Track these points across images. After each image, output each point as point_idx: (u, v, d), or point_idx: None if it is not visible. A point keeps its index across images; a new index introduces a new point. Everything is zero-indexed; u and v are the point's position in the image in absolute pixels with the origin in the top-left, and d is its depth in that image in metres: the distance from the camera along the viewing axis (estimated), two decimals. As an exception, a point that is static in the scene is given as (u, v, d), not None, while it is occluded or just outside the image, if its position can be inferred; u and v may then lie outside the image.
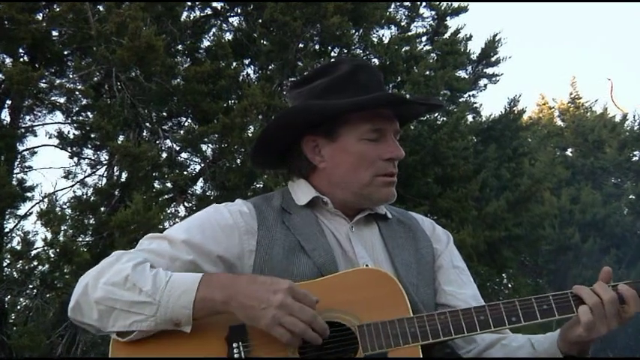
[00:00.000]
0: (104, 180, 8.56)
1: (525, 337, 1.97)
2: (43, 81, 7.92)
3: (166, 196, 8.63)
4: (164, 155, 8.51)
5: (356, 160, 1.96)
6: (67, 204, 8.09)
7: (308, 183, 2.04)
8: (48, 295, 7.45)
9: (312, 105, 2.00)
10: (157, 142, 8.67)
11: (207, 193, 9.04)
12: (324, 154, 2.00)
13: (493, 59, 12.02)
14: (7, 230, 8.13)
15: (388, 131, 2.00)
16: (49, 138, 8.71)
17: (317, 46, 10.02)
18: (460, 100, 11.70)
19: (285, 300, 1.65)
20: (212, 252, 1.85)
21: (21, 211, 8.10)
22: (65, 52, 8.69)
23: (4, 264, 7.26)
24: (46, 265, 7.03)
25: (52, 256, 7.00)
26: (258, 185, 8.36)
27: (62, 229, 7.12)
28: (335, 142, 1.98)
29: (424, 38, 11.65)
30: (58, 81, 8.37)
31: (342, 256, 1.92)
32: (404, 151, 2.03)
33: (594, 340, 1.76)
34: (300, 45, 9.31)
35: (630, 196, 17.12)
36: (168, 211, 8.61)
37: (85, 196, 8.06)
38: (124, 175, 8.33)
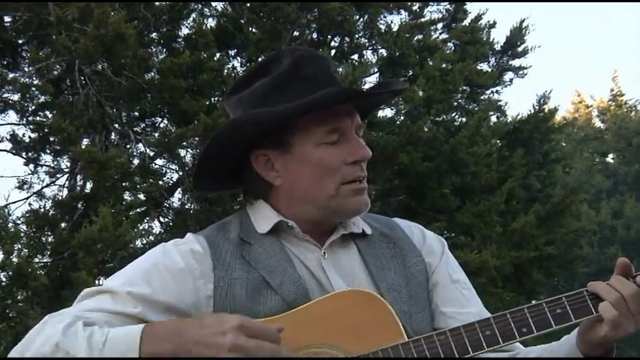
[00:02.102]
0: (65, 191, 8.56)
1: (540, 347, 1.97)
2: (-6, 75, 7.95)
3: (138, 210, 8.63)
4: (136, 162, 8.52)
5: (316, 169, 1.92)
6: (22, 219, 8.08)
7: (268, 205, 2.00)
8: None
9: (256, 116, 1.98)
10: (128, 146, 8.67)
11: (187, 206, 9.05)
12: (279, 169, 1.95)
13: (520, 49, 12.07)
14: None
15: (348, 129, 1.95)
16: (1, 141, 8.74)
17: (314, 35, 10.06)
18: (482, 97, 11.75)
19: (236, 340, 1.64)
20: (161, 303, 1.82)
21: (-34, 228, 8.10)
22: (19, 42, 8.72)
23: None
24: (-3, 291, 7.03)
25: (4, 280, 6.99)
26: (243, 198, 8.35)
27: (16, 248, 7.11)
28: (288, 153, 1.94)
29: (440, 25, 11.69)
30: (10, 75, 8.40)
31: (317, 289, 1.88)
32: (370, 151, 1.96)
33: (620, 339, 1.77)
34: (295, 33, 9.34)
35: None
36: (141, 228, 8.61)
37: (42, 210, 8.06)
38: (89, 186, 8.32)
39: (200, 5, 9.91)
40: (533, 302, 1.84)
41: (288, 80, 1.98)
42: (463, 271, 2.11)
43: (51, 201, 8.38)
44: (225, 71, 9.23)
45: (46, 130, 8.43)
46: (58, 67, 8.23)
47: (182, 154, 8.88)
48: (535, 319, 1.77)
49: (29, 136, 8.71)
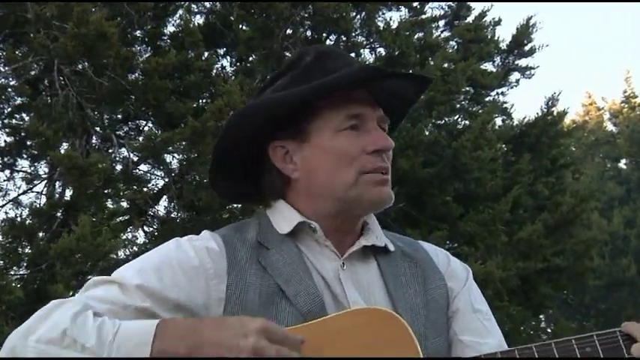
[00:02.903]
0: (43, 198, 8.55)
1: None
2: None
3: (121, 219, 8.62)
4: (119, 168, 8.52)
5: (334, 158, 1.93)
6: (-3, 228, 8.09)
7: (287, 204, 2.02)
8: (-28, 343, 7.42)
9: (266, 100, 2.01)
10: (110, 151, 8.67)
11: (172, 215, 9.05)
12: (297, 161, 1.97)
13: (527, 48, 12.10)
14: None
15: (369, 118, 1.97)
16: (-25, 146, 8.73)
17: (308, 33, 10.06)
18: (486, 99, 11.76)
19: (257, 343, 1.63)
20: (171, 299, 1.82)
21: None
22: (-5, 40, 8.72)
23: None
24: (-30, 305, 7.01)
25: (-22, 293, 6.97)
26: (235, 205, 8.35)
27: (-10, 259, 7.10)
28: (307, 142, 1.96)
29: (442, 23, 11.74)
30: (-15, 75, 8.39)
31: (332, 302, 1.89)
32: (392, 142, 1.96)
33: None
34: (288, 31, 9.35)
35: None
36: (124, 237, 8.61)
37: (19, 219, 8.05)
38: (69, 193, 8.32)
39: (187, 1, 9.92)
40: (562, 338, 1.82)
41: (308, 72, 2.00)
42: (486, 302, 2.11)
43: (28, 209, 8.36)
44: (214, 71, 9.25)
45: (22, 133, 8.43)
46: (35, 67, 8.23)
47: (168, 160, 8.89)
48: (563, 355, 1.76)
49: (5, 140, 8.72)
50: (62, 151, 7.67)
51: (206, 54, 9.20)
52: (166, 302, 1.81)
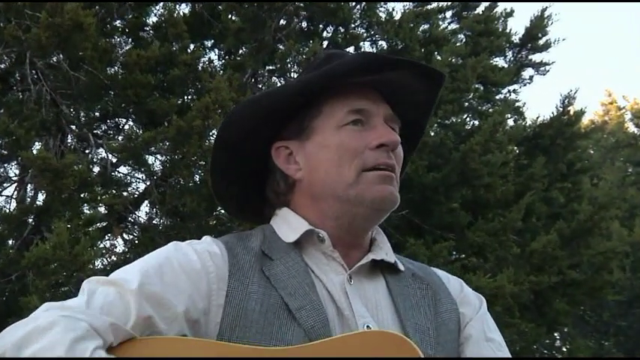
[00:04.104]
0: (14, 203, 8.56)
1: None
2: None
3: (99, 225, 8.62)
4: (96, 170, 8.52)
5: (336, 154, 1.97)
6: (-38, 235, 8.09)
7: (292, 211, 2.06)
8: None
9: (264, 94, 2.07)
10: (87, 151, 8.67)
11: (155, 222, 9.06)
12: (300, 160, 2.03)
13: (541, 42, 12.14)
14: None
15: (374, 114, 2.01)
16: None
17: (304, 24, 10.09)
18: (497, 97, 11.80)
19: None
20: (172, 306, 1.84)
21: None
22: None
23: None
24: None
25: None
26: (222, 211, 8.36)
27: (-44, 269, 7.10)
28: (310, 140, 2.01)
29: (449, 14, 11.78)
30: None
31: (337, 317, 1.91)
32: (399, 138, 2.00)
33: None
34: (282, 22, 9.37)
35: None
36: (101, 246, 8.62)
37: (-13, 225, 8.06)
38: (41, 197, 8.33)
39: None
40: None
41: (312, 70, 2.08)
42: (500, 334, 2.13)
43: (-4, 215, 8.38)
44: (201, 65, 9.26)
45: (-9, 132, 8.43)
46: (5, 59, 8.25)
47: (150, 162, 8.89)
48: None
49: (-29, 140, 8.71)
50: (34, 152, 7.66)
51: (192, 46, 9.22)
52: (167, 309, 1.83)
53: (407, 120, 2.14)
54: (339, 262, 1.99)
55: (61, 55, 7.92)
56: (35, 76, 7.94)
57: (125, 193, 8.94)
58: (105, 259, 8.62)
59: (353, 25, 10.24)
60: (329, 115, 2.00)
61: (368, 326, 1.90)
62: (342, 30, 10.30)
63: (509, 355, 2.11)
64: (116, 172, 8.98)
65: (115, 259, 8.78)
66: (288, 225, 2.04)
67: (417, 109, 2.17)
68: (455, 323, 2.05)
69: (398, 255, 2.14)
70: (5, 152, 8.33)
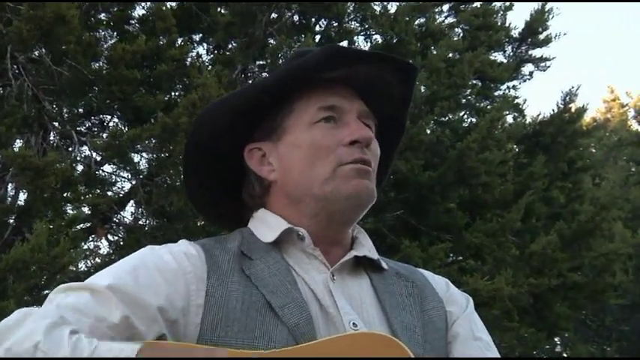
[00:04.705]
0: (-7, 203, 8.54)
1: None
2: None
3: (82, 226, 8.62)
4: (79, 168, 8.51)
5: (309, 152, 1.98)
6: (-60, 237, 8.08)
7: (269, 211, 2.06)
8: None
9: (233, 93, 2.08)
10: (70, 149, 8.67)
11: (140, 222, 9.06)
12: (273, 161, 2.04)
13: (542, 37, 12.15)
14: None
15: (347, 110, 2.02)
16: None
17: (295, 18, 10.09)
18: (496, 93, 11.80)
19: None
20: (149, 304, 1.82)
21: None
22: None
23: None
24: None
25: None
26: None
27: None
28: (282, 140, 2.02)
29: (445, 7, 11.77)
30: None
31: (321, 314, 1.91)
32: (372, 135, 2.01)
33: None
34: (273, 15, 9.37)
35: None
36: (85, 247, 8.61)
37: (-35, 226, 8.05)
38: (22, 196, 8.31)
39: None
40: None
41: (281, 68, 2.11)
42: (488, 334, 2.13)
43: (-25, 215, 8.37)
44: (188, 61, 9.25)
45: (-30, 129, 8.42)
46: (-14, 53, 8.23)
47: (136, 160, 8.90)
48: None
49: (-50, 137, 8.70)
50: (15, 149, 7.67)
51: (179, 41, 9.22)
52: (144, 308, 1.81)
53: (384, 115, 2.15)
54: (320, 261, 1.99)
55: (43, 49, 7.91)
56: (16, 71, 7.93)
57: (110, 193, 8.94)
58: (89, 261, 8.61)
59: (347, 19, 10.25)
60: (300, 113, 2.01)
61: (354, 323, 1.90)
62: (336, 24, 10.31)
63: (498, 355, 2.11)
64: (100, 171, 8.98)
65: (99, 261, 8.78)
66: (267, 225, 2.04)
67: (392, 103, 2.18)
68: (442, 321, 2.06)
69: (381, 256, 2.13)
70: (-15, 150, 8.33)
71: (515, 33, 12.13)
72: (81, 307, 1.80)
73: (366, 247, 2.06)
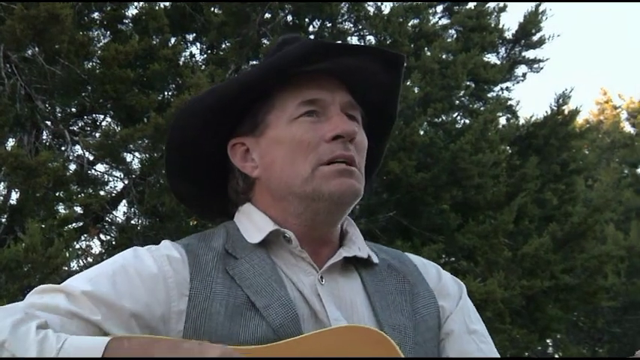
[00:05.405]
0: (-15, 202, 8.54)
1: None
2: None
3: (74, 225, 8.61)
4: (72, 167, 8.50)
5: (289, 148, 1.95)
6: None
7: (255, 208, 2.04)
8: None
9: (212, 89, 2.07)
10: (63, 148, 8.66)
11: (133, 222, 9.04)
12: (256, 157, 2.01)
13: (535, 38, 12.17)
14: None
15: (330, 103, 1.98)
16: None
17: (289, 18, 10.09)
18: (489, 95, 11.81)
19: None
20: (124, 310, 1.82)
21: None
22: None
23: None
24: None
25: None
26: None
27: None
28: (264, 135, 1.99)
29: (439, 8, 11.78)
30: None
31: (309, 317, 1.89)
32: (356, 129, 1.97)
33: None
34: (267, 15, 9.37)
35: None
36: (77, 247, 8.60)
37: (-43, 225, 8.04)
38: (15, 196, 8.31)
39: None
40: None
41: (270, 56, 2.07)
42: (481, 320, 2.13)
43: (-33, 214, 8.37)
44: (182, 60, 9.25)
45: (-38, 128, 8.41)
46: (-22, 52, 8.22)
47: (128, 159, 8.88)
48: None
49: (-58, 136, 8.69)
50: (8, 148, 7.66)
51: (173, 40, 9.22)
52: (120, 314, 1.81)
53: (372, 103, 2.11)
54: (308, 262, 1.97)
55: (36, 48, 7.90)
56: (9, 70, 7.92)
57: (102, 192, 8.93)
58: (81, 261, 8.60)
59: (340, 20, 10.25)
60: (281, 108, 1.98)
61: None
62: (329, 24, 10.30)
63: (492, 345, 2.10)
64: (93, 170, 8.97)
65: (91, 260, 8.76)
66: (253, 224, 2.01)
67: (379, 91, 2.13)
68: (434, 318, 2.04)
69: (371, 243, 2.12)
70: (-23, 149, 8.32)
71: (508, 34, 12.14)
72: (52, 307, 1.79)
73: (356, 244, 2.02)
